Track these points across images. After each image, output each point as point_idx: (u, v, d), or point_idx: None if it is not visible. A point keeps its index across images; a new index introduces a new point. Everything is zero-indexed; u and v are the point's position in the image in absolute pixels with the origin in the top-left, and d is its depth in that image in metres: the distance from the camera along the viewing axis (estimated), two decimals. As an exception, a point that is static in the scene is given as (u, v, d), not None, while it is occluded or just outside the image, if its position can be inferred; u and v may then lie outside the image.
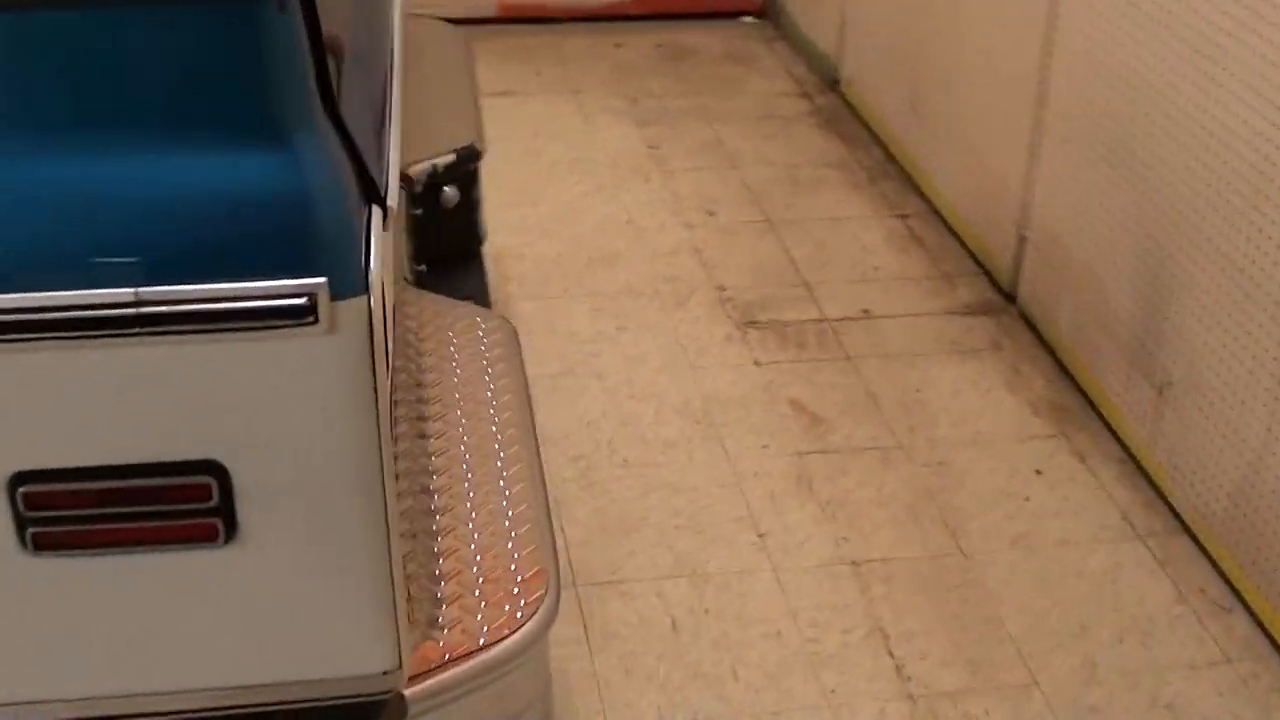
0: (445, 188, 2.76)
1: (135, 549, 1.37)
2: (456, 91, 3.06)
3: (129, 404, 1.31)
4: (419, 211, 2.67)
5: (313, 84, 1.30)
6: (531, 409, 2.09)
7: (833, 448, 3.15)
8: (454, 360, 2.11)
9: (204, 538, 1.37)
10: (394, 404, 1.86)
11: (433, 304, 2.27)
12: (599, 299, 3.70)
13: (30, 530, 1.35)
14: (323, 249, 1.28)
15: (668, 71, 5.06)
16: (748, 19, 5.44)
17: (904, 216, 4.06)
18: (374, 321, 1.32)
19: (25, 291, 1.25)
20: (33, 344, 1.27)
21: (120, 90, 1.26)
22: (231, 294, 1.27)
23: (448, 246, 2.76)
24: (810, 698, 2.53)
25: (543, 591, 1.69)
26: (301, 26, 1.28)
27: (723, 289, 3.74)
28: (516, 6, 5.44)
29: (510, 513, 1.81)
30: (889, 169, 4.32)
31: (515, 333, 2.25)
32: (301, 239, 1.28)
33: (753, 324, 3.59)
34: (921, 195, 4.14)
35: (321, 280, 1.27)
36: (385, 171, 1.48)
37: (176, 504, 1.35)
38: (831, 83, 4.85)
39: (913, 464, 3.08)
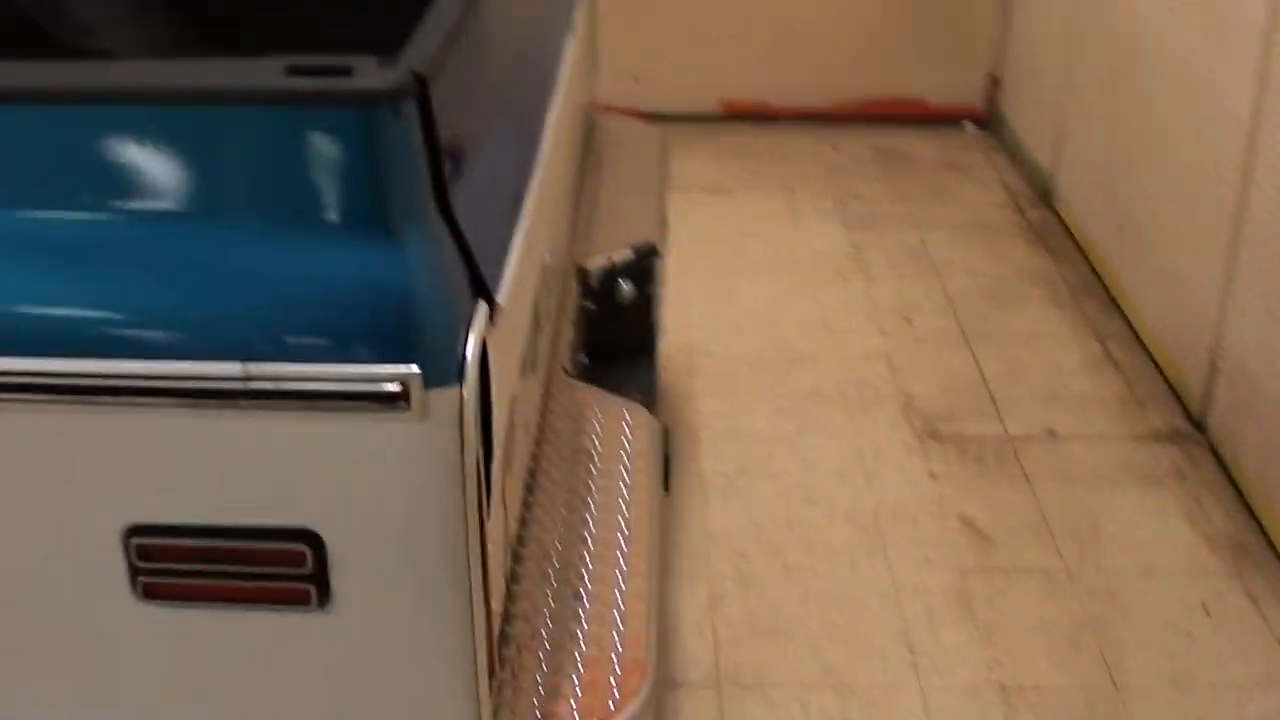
0: (621, 283, 2.83)
1: (233, 606, 1.46)
2: (644, 189, 3.14)
3: (234, 470, 1.40)
4: (591, 305, 2.74)
5: (426, 185, 1.38)
6: (661, 506, 2.13)
7: (997, 567, 3.10)
8: (594, 451, 2.17)
9: (298, 601, 1.45)
10: (520, 487, 1.92)
11: (584, 395, 2.33)
12: (783, 400, 3.73)
13: (141, 579, 1.45)
14: (420, 340, 1.35)
15: (881, 175, 5.08)
16: (970, 127, 5.44)
17: (1102, 337, 3.99)
18: (466, 411, 1.38)
19: (145, 360, 1.35)
20: (151, 408, 1.37)
21: (241, 180, 1.36)
22: (332, 376, 1.34)
23: (620, 341, 2.82)
24: (940, 820, 2.49)
25: (638, 684, 1.72)
26: (418, 133, 1.36)
27: (909, 397, 3.73)
28: (739, 105, 5.54)
29: (622, 605, 1.85)
30: (1093, 288, 4.26)
31: (662, 430, 2.29)
32: (400, 329, 1.35)
33: (934, 436, 3.57)
34: (1122, 316, 4.06)
35: (415, 370, 1.35)
36: (502, 269, 1.55)
37: (273, 567, 1.43)
38: (1045, 196, 4.81)
39: (1077, 591, 3.02)
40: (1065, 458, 3.47)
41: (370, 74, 1.35)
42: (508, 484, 1.72)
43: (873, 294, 4.26)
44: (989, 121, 5.44)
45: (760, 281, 4.33)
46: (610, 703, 1.69)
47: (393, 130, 1.34)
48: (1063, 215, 4.65)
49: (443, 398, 1.37)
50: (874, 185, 5.01)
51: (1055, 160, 4.73)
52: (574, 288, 2.72)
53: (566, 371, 2.43)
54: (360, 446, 1.38)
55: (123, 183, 1.36)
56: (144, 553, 1.44)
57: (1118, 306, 4.11)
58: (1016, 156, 5.15)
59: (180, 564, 1.45)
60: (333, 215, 1.35)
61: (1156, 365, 3.81)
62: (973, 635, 2.91)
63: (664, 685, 2.79)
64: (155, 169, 1.36)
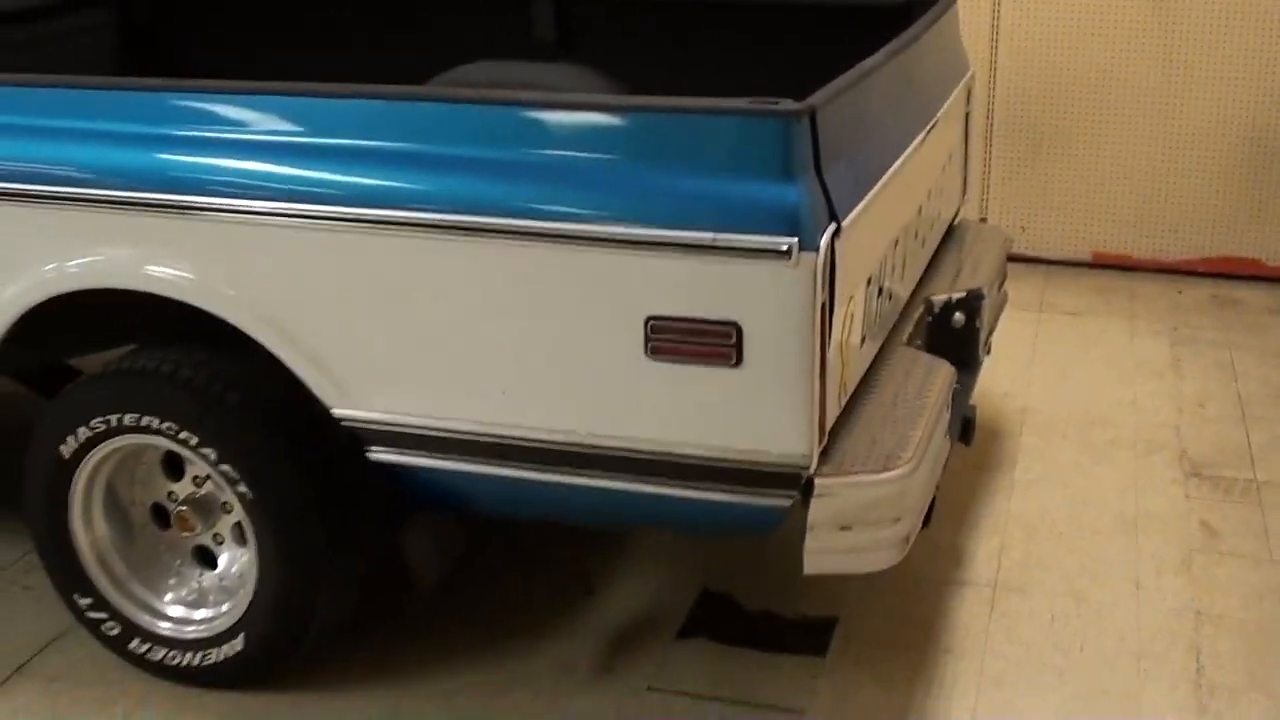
0: (955, 314, 4.21)
1: (693, 361, 2.93)
2: (985, 260, 4.52)
3: (702, 286, 2.84)
4: (930, 321, 4.14)
5: (810, 159, 2.83)
6: (950, 401, 3.48)
7: (1217, 550, 4.25)
8: (909, 375, 3.56)
9: (725, 360, 2.88)
10: (858, 367, 3.32)
11: (912, 352, 3.73)
12: (1083, 444, 4.97)
13: (651, 344, 2.93)
14: (800, 228, 2.77)
15: (1213, 313, 6.24)
16: (1300, 286, 6.52)
17: (1355, 428, 5.05)
18: (819, 266, 2.81)
19: (672, 229, 2.87)
20: (671, 254, 2.86)
21: (728, 150, 2.84)
22: (755, 241, 2.80)
23: (948, 353, 4.17)
24: (1124, 670, 3.69)
25: (909, 456, 3.08)
26: (808, 134, 2.83)
27: (1184, 452, 4.90)
28: (1107, 256, 6.79)
29: (909, 411, 3.24)
30: (1362, 398, 5.31)
31: (954, 373, 3.65)
32: (791, 221, 2.77)
33: (1197, 475, 4.73)
34: (1376, 415, 5.10)
35: (795, 239, 2.80)
36: (849, 213, 2.98)
37: (716, 339, 2.88)
38: (1346, 336, 5.86)
39: (1276, 572, 4.13)
40: (1295, 497, 4.58)
41: (788, 106, 2.85)
42: (845, 349, 3.14)
43: (1179, 387, 5.44)
44: (1319, 283, 6.50)
45: (1090, 371, 5.59)
46: (894, 459, 3.07)
47: (795, 131, 2.83)
48: (1355, 348, 5.69)
49: (808, 258, 2.81)
50: (1204, 319, 6.17)
51: (1355, 306, 5.78)
52: (920, 310, 4.13)
53: (904, 343, 3.84)
54: (767, 276, 2.81)
55: (677, 152, 2.88)
56: (654, 329, 2.92)
57: (1374, 409, 5.15)
58: (1332, 307, 6.20)
59: (670, 336, 2.93)
60: (765, 168, 2.82)
61: (1387, 444, 4.84)
62: (1185, 582, 4.08)
63: (954, 584, 4.10)
64: (691, 147, 2.88)
